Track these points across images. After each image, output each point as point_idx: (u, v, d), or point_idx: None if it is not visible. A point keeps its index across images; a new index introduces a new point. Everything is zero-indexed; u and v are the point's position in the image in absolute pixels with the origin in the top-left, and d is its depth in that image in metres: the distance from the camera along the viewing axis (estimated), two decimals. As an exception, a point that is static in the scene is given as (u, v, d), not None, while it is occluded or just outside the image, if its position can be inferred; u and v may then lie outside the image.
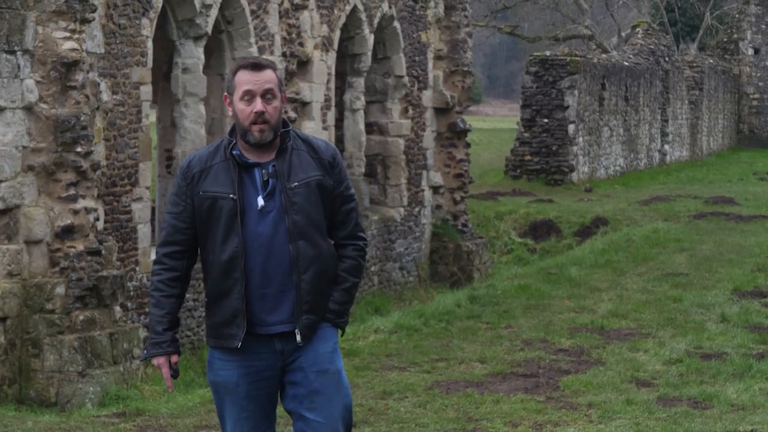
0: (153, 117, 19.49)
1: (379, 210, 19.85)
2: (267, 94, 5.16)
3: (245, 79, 5.15)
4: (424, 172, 20.90)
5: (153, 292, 5.30)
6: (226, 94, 5.26)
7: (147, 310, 13.68)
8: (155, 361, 5.29)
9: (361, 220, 5.48)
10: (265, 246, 5.15)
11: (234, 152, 5.21)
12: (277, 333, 5.18)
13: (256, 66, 5.18)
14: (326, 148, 5.33)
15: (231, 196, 5.15)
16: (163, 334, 5.26)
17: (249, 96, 5.14)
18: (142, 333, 12.37)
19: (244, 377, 5.20)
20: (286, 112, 16.64)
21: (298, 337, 5.17)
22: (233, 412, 5.25)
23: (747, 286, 14.84)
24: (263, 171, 5.19)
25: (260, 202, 5.16)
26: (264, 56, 16.00)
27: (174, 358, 5.28)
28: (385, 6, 19.41)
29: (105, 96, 12.79)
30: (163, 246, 5.32)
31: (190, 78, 14.92)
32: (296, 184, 5.18)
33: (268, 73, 5.18)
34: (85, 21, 11.70)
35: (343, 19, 18.14)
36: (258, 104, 5.13)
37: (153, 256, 13.82)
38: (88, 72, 11.84)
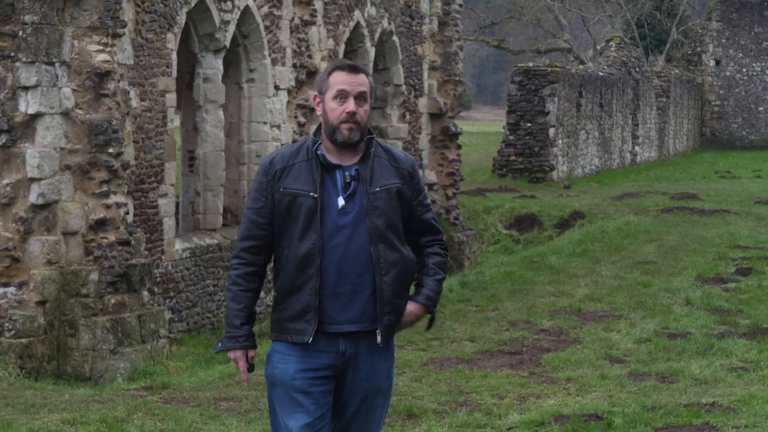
0: (177, 122, 19.48)
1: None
2: (360, 97, 4.78)
3: (341, 80, 4.76)
4: (420, 171, 20.89)
5: (231, 286, 4.84)
6: (316, 93, 4.87)
7: (172, 294, 13.68)
8: (231, 355, 4.86)
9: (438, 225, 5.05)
10: (343, 245, 4.72)
11: (318, 152, 4.79)
12: (343, 332, 4.75)
13: (353, 68, 4.81)
14: (405, 159, 4.94)
15: (312, 194, 4.72)
16: (240, 328, 4.81)
17: (342, 96, 4.75)
18: (167, 315, 12.35)
19: (301, 372, 4.74)
20: (298, 116, 16.60)
21: (379, 338, 4.77)
22: (288, 406, 4.77)
23: (709, 273, 14.83)
24: (345, 173, 4.77)
25: (340, 202, 4.74)
26: (277, 67, 15.97)
27: (251, 353, 4.86)
28: (385, 22, 19.38)
29: (134, 103, 12.78)
30: (242, 240, 4.86)
31: (211, 87, 14.92)
32: (378, 189, 4.77)
33: (363, 77, 4.82)
34: (116, 35, 11.69)
35: (347, 34, 18.12)
36: (351, 104, 4.74)
37: (177, 246, 13.89)
38: (118, 81, 11.83)
